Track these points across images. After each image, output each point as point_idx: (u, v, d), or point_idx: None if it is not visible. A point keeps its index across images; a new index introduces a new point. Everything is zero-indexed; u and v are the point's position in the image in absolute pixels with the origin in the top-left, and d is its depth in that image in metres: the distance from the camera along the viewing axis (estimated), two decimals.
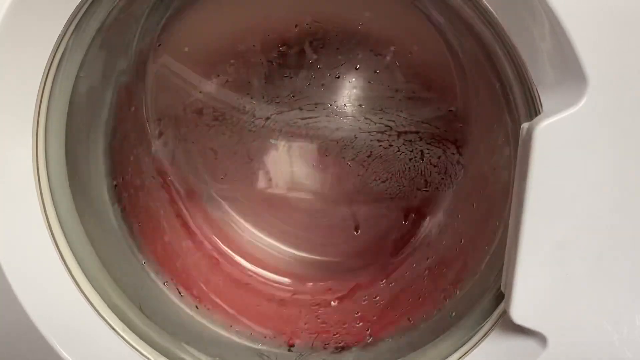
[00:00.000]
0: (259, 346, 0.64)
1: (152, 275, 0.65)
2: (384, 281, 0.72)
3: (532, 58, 0.40)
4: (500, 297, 0.46)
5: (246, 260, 0.76)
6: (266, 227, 0.78)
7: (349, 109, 0.73)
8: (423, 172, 0.72)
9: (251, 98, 0.73)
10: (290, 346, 0.64)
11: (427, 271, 0.68)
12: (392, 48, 0.69)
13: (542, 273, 0.42)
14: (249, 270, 0.75)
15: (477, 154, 0.67)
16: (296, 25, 0.69)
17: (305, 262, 0.77)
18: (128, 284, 0.59)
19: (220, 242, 0.75)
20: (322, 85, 0.72)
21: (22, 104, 0.48)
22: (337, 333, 0.66)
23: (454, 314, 0.56)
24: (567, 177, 0.39)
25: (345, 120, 0.73)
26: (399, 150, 0.72)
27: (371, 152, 0.73)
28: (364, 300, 0.70)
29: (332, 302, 0.71)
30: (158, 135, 0.72)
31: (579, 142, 0.39)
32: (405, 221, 0.74)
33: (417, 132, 0.71)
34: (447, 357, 0.50)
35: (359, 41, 0.69)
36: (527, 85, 0.41)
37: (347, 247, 0.77)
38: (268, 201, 0.77)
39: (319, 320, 0.69)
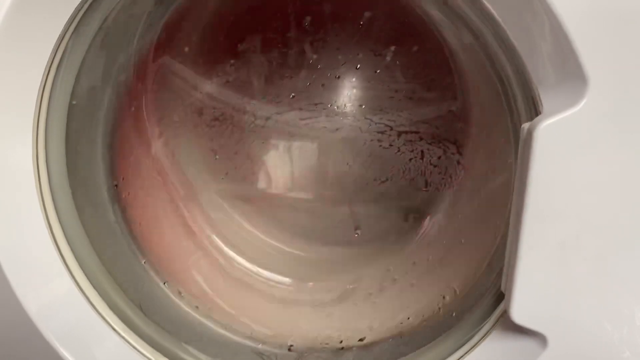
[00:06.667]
0: (259, 346, 0.64)
1: (152, 274, 0.65)
2: (384, 281, 0.72)
3: (532, 58, 0.40)
4: (501, 297, 0.46)
5: (246, 260, 0.76)
6: (266, 227, 0.78)
7: (349, 109, 0.73)
8: (423, 172, 0.72)
9: (251, 98, 0.73)
10: (290, 346, 0.64)
11: (427, 271, 0.68)
12: (392, 48, 0.69)
13: (542, 273, 0.42)
14: (249, 270, 0.75)
15: (477, 154, 0.67)
16: (297, 24, 0.69)
17: (306, 262, 0.77)
18: (128, 284, 0.59)
19: (220, 242, 0.75)
20: (322, 85, 0.72)
21: (22, 104, 0.48)
22: (337, 333, 0.66)
23: (454, 314, 0.56)
24: (567, 177, 0.39)
25: (345, 120, 0.73)
26: (399, 150, 0.72)
27: (371, 152, 0.73)
28: (364, 300, 0.70)
29: (341, 299, 0.71)
30: (158, 135, 0.71)
31: (579, 143, 0.39)
32: (405, 221, 0.74)
33: (417, 132, 0.71)
34: (447, 357, 0.50)
35: (358, 41, 0.69)
36: (527, 85, 0.41)
37: (347, 247, 0.77)
38: (268, 201, 0.77)
39: (319, 320, 0.69)
